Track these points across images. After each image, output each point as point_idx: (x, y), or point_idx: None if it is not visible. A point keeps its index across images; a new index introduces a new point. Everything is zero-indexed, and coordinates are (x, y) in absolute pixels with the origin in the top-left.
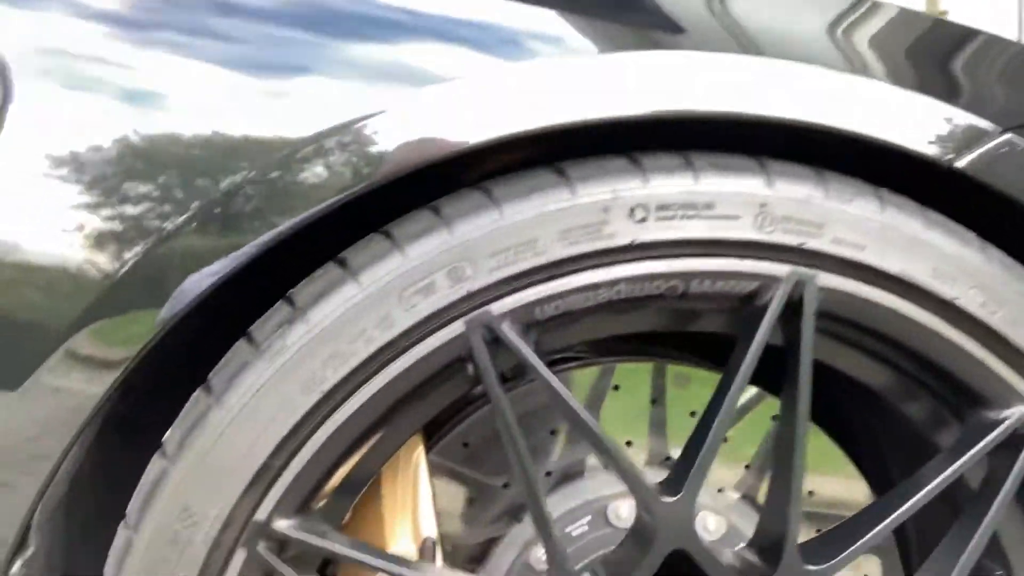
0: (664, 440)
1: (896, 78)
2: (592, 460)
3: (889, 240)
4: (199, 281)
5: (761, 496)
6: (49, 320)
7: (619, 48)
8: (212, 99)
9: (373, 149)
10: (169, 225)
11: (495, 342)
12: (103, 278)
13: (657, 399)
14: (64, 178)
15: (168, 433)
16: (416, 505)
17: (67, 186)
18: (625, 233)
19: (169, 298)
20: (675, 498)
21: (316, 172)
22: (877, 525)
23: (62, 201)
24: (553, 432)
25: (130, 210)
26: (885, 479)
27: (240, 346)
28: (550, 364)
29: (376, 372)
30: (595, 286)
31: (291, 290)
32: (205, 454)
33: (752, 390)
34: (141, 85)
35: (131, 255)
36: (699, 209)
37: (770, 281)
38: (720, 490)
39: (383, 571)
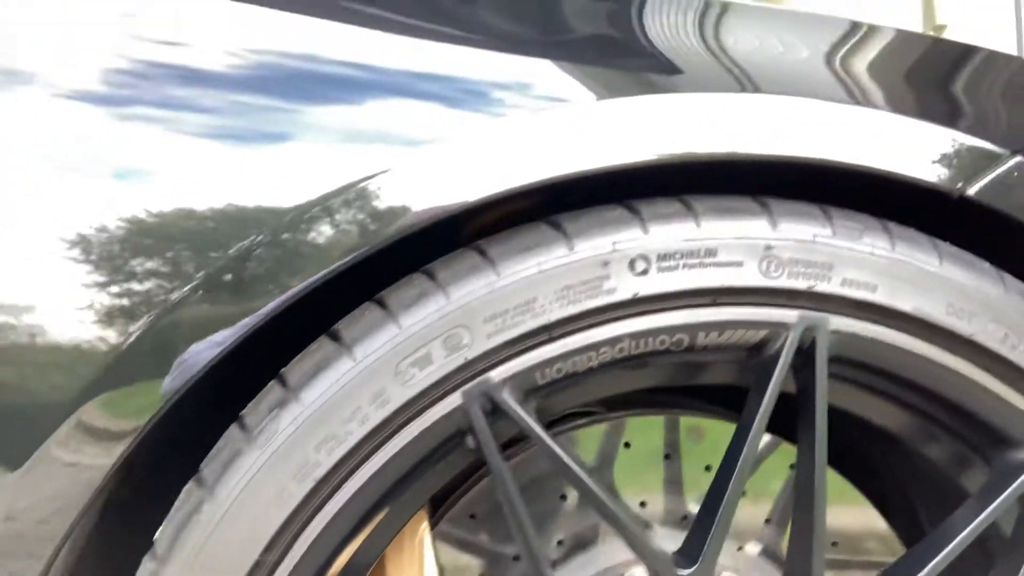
0: (681, 497)
1: (897, 105)
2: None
3: (901, 277)
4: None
5: (783, 550)
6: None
7: (617, 94)
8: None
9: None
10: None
11: (495, 411)
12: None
13: (671, 454)
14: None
15: (160, 530)
16: None
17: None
18: (626, 287)
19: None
20: (691, 570)
21: (324, 233)
22: None
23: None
24: (563, 497)
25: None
26: (914, 524)
27: (232, 432)
28: (557, 421)
29: (372, 453)
30: (597, 345)
31: (283, 368)
32: (197, 553)
33: (767, 437)
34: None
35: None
36: (701, 257)
37: (779, 328)
38: (739, 548)
39: None
